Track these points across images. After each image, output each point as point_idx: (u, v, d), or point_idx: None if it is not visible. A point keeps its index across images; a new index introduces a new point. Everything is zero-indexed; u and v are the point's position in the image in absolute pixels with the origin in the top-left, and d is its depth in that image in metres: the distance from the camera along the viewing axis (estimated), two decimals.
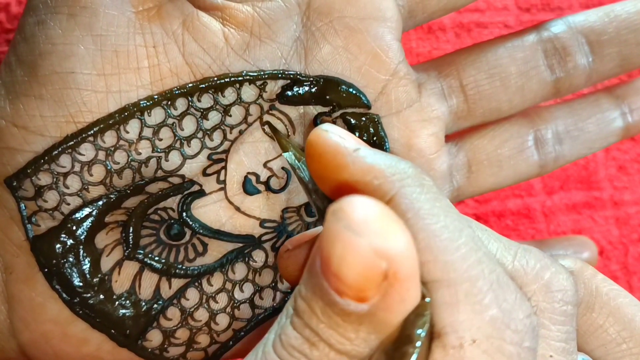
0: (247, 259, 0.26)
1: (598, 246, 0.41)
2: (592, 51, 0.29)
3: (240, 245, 0.26)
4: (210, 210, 0.26)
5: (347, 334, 0.18)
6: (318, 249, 0.18)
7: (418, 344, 0.18)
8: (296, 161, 0.23)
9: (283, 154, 0.24)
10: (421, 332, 0.18)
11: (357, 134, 0.27)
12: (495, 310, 0.18)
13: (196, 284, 0.26)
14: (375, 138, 0.27)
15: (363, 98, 0.26)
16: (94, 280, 0.25)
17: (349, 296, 0.17)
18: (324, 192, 0.21)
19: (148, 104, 0.25)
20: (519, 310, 0.19)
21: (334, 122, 0.27)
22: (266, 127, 0.26)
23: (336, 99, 0.26)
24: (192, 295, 0.26)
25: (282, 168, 0.27)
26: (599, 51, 0.29)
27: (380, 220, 0.17)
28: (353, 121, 0.27)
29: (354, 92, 0.26)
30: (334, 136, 0.20)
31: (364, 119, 0.27)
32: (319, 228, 0.24)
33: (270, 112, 0.26)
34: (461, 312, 0.18)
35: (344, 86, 0.26)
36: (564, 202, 0.41)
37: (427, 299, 0.18)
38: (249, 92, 0.26)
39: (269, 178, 0.26)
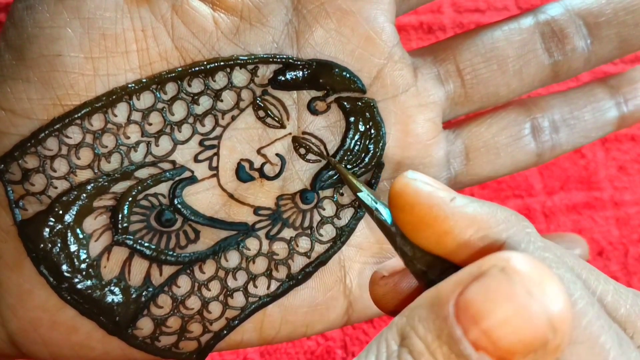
0: (240, 246, 0.26)
1: (598, 246, 0.40)
2: (590, 33, 0.28)
3: (234, 232, 0.26)
4: (203, 197, 0.25)
5: None
6: (453, 292, 0.17)
7: None
8: (374, 203, 0.22)
9: (357, 194, 0.23)
10: None
11: (352, 119, 0.26)
12: None
13: (188, 271, 0.25)
14: (371, 123, 0.26)
15: (357, 82, 0.26)
16: (82, 265, 0.24)
17: (489, 353, 0.16)
18: (415, 243, 0.20)
19: (136, 87, 0.24)
20: None
21: (328, 107, 0.26)
22: (260, 112, 0.26)
23: (330, 82, 0.26)
24: (184, 282, 0.25)
25: (277, 154, 0.26)
26: (597, 33, 0.28)
27: (555, 285, 0.16)
28: (348, 106, 0.26)
29: (348, 75, 0.26)
30: (426, 186, 0.19)
31: (359, 103, 0.26)
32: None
33: (263, 97, 0.26)
34: None
35: (337, 69, 0.26)
36: (564, 203, 0.40)
37: None
38: (240, 77, 0.25)
39: (262, 165, 0.26)
